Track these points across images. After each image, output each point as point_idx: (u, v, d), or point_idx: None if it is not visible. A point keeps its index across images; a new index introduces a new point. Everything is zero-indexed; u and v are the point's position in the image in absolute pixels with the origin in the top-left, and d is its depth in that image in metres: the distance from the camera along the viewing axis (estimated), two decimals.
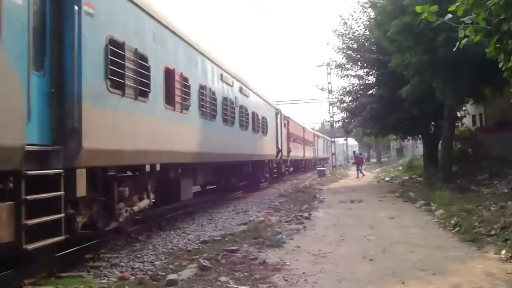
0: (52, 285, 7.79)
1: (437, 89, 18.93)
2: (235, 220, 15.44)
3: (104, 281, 8.22)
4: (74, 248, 9.52)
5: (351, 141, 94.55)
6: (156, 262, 9.57)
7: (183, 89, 13.21)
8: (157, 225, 13.58)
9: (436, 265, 8.17)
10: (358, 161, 44.50)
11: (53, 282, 8.05)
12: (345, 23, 30.21)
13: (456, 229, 11.49)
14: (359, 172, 42.71)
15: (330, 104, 44.03)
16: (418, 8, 7.28)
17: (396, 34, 17.89)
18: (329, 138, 67.15)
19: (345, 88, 32.28)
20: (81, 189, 8.26)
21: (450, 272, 7.78)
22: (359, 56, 29.73)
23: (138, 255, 10.21)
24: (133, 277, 8.29)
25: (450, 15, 7.25)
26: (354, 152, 54.96)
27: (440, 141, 26.05)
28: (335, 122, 41.72)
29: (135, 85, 10.13)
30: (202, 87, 15.08)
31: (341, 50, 30.40)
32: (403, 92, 20.72)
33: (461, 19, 7.32)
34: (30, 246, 6.90)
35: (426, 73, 18.48)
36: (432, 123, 28.39)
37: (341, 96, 33.21)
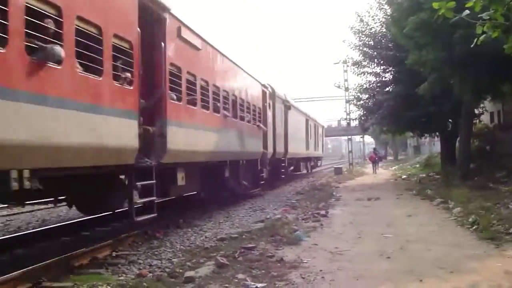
0: (70, 282, 7.84)
1: (454, 86, 18.82)
2: (252, 217, 15.45)
3: (122, 278, 8.26)
4: (93, 247, 9.61)
5: (368, 139, 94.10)
6: (174, 259, 9.59)
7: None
8: (174, 223, 13.63)
9: (454, 263, 8.12)
10: (372, 158, 45.35)
11: (71, 278, 8.11)
12: (361, 20, 30.15)
13: (474, 227, 11.40)
14: (375, 168, 44.11)
15: (347, 101, 43.88)
16: (435, 4, 7.21)
17: (413, 30, 17.80)
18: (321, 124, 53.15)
19: (362, 86, 32.17)
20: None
21: (468, 270, 7.73)
22: (375, 53, 29.59)
23: (156, 252, 10.25)
24: (151, 274, 8.33)
25: (467, 11, 7.19)
26: (374, 149, 55.05)
27: (458, 139, 25.90)
28: (352, 119, 41.67)
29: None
30: None
31: (358, 47, 30.30)
32: (420, 90, 20.62)
33: (479, 15, 7.25)
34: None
35: (444, 70, 18.37)
36: (450, 120, 28.22)
37: (358, 94, 33.13)
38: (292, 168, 33.68)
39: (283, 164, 29.24)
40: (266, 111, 23.60)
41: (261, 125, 21.72)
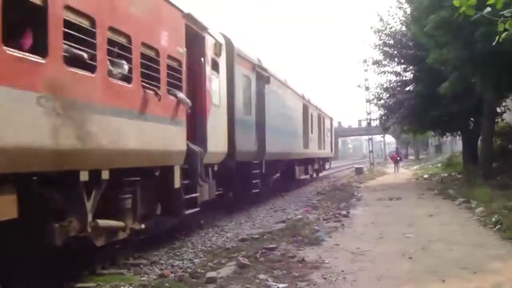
0: (93, 282, 7.92)
1: (476, 85, 18.67)
2: (273, 218, 15.46)
3: (144, 278, 8.32)
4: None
5: (389, 138, 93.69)
6: (195, 260, 9.63)
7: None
8: (196, 223, 13.68)
9: (476, 264, 8.06)
10: (394, 158, 45.63)
11: (94, 279, 8.18)
12: (381, 19, 30.04)
13: (497, 227, 11.30)
14: (397, 168, 44.59)
15: (367, 101, 43.72)
16: (456, 2, 7.17)
17: (433, 29, 17.67)
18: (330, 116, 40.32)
19: (382, 85, 32.05)
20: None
21: (491, 271, 7.67)
22: (396, 52, 29.41)
23: (178, 253, 10.30)
24: (172, 275, 8.39)
25: (489, 9, 7.13)
26: (397, 148, 54.64)
27: (480, 137, 25.69)
28: (373, 119, 41.55)
29: None
30: None
31: (378, 47, 30.18)
32: (442, 88, 20.48)
33: (500, 13, 7.20)
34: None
35: (465, 68, 18.20)
36: (472, 119, 28.00)
37: (378, 93, 33.00)
38: (277, 175, 21.90)
39: (257, 171, 17.71)
40: (202, 73, 12.09)
41: (181, 96, 10.33)
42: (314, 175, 35.20)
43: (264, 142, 17.91)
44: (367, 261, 8.64)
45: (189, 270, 8.72)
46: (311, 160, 31.67)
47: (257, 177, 17.43)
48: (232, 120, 14.70)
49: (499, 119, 28.84)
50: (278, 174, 22.03)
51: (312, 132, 29.88)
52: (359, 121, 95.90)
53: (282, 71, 24.61)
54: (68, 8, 6.55)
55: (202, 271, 8.45)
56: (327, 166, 40.77)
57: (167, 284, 7.62)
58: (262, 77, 18.25)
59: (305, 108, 28.02)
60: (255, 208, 17.99)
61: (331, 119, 41.67)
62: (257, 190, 17.56)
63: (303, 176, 29.77)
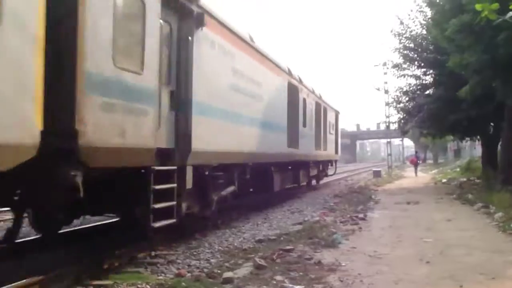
0: (111, 280, 7.96)
1: (497, 89, 18.52)
2: (290, 219, 15.44)
3: (161, 277, 8.34)
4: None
5: (407, 142, 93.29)
6: (212, 260, 9.65)
7: None
8: (213, 223, 13.71)
9: (495, 269, 8.01)
10: (414, 161, 45.66)
11: (111, 277, 8.21)
12: (401, 22, 29.91)
13: None
14: (416, 171, 44.74)
15: (386, 104, 43.55)
16: (478, 6, 7.15)
17: (454, 33, 17.56)
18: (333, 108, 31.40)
19: (402, 88, 31.93)
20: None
21: (510, 277, 7.62)
22: (416, 55, 29.31)
23: (194, 253, 10.32)
24: (189, 274, 8.40)
25: (511, 13, 7.10)
26: (416, 152, 54.39)
27: (500, 142, 25.48)
28: (391, 122, 41.43)
29: None
30: None
31: (398, 50, 30.07)
32: (461, 92, 20.33)
33: None
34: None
35: (486, 72, 18.06)
36: (492, 123, 27.80)
37: (398, 96, 32.91)
38: (231, 189, 13.46)
39: (166, 186, 8.98)
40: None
41: None
42: (313, 182, 28.52)
43: (189, 132, 10.09)
44: (384, 264, 8.62)
45: (205, 270, 8.74)
46: (304, 164, 23.01)
47: (167, 195, 9.00)
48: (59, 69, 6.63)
49: None
50: (233, 188, 13.54)
51: (305, 126, 21.79)
52: (378, 124, 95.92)
53: (243, 22, 14.77)
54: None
55: (219, 271, 8.46)
56: (330, 171, 32.43)
57: (183, 284, 7.63)
58: (187, 15, 10.13)
59: (293, 90, 19.45)
60: (272, 209, 17.99)
61: (336, 112, 32.33)
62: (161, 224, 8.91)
63: (289, 186, 21.44)
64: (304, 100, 21.71)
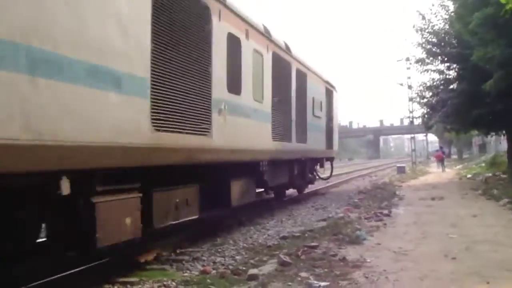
0: (137, 277, 8.06)
1: None
2: (314, 216, 15.46)
3: (186, 274, 8.44)
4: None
5: (431, 137, 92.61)
6: (237, 257, 9.73)
7: None
8: (237, 220, 13.77)
9: None
10: (440, 157, 45.42)
11: (137, 274, 8.32)
12: (423, 17, 29.72)
13: None
14: (442, 167, 44.53)
15: (410, 99, 43.28)
16: None
17: (478, 26, 17.45)
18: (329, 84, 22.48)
19: (425, 83, 31.75)
20: None
21: None
22: (439, 50, 29.12)
23: (219, 250, 10.41)
24: (214, 271, 8.48)
25: None
26: (441, 147, 54.14)
27: None
28: (415, 118, 41.16)
29: None
30: None
31: (421, 45, 29.89)
32: (486, 86, 20.16)
33: None
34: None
35: (510, 66, 17.91)
36: None
37: (421, 91, 32.72)
38: None
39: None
40: None
41: None
42: (283, 196, 19.85)
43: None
44: (409, 261, 8.58)
45: (230, 266, 8.82)
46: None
47: None
48: None
49: None
50: None
51: (243, 92, 11.75)
52: (401, 119, 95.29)
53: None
54: None
55: (244, 268, 8.52)
56: (323, 174, 23.74)
57: (209, 280, 7.69)
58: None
59: (233, 41, 11.17)
60: (296, 206, 18.01)
61: (328, 86, 22.03)
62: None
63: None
64: (254, 53, 12.62)
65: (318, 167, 22.34)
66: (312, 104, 18.78)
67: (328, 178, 24.32)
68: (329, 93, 22.25)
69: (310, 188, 22.11)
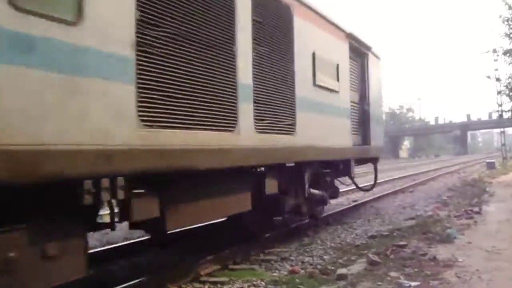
0: (226, 277, 8.22)
1: None
2: (402, 214, 15.27)
3: (275, 274, 8.54)
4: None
5: None
6: (325, 257, 9.75)
7: None
8: (324, 220, 13.78)
9: None
10: None
11: (226, 274, 8.50)
12: (510, 7, 28.73)
13: None
14: None
15: (498, 92, 41.85)
16: None
17: None
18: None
19: None
20: None
21: None
22: None
23: (307, 250, 10.46)
24: (303, 271, 8.55)
25: None
26: None
27: None
28: (504, 111, 39.79)
29: None
30: None
31: (508, 36, 28.93)
32: None
33: None
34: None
35: None
36: None
37: (511, 83, 31.69)
38: None
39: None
40: None
41: None
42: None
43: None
44: (503, 260, 8.36)
45: (319, 266, 8.86)
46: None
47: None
48: None
49: None
50: None
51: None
52: (490, 113, 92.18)
53: None
54: None
55: (332, 267, 8.56)
56: (363, 183, 17.95)
57: (297, 280, 7.78)
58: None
59: None
60: (383, 205, 17.83)
61: (353, 41, 13.27)
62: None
63: None
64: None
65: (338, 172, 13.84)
66: (326, 70, 11.29)
67: (371, 188, 17.14)
68: (358, 56, 14.43)
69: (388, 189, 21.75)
